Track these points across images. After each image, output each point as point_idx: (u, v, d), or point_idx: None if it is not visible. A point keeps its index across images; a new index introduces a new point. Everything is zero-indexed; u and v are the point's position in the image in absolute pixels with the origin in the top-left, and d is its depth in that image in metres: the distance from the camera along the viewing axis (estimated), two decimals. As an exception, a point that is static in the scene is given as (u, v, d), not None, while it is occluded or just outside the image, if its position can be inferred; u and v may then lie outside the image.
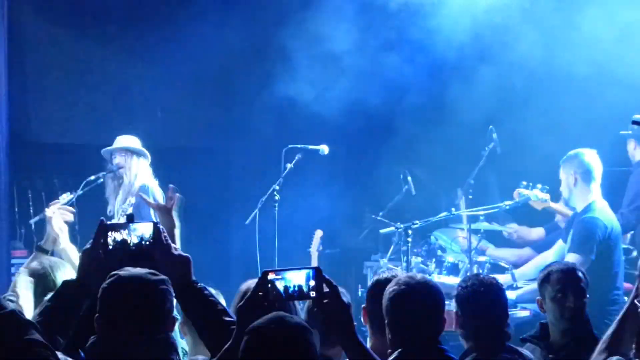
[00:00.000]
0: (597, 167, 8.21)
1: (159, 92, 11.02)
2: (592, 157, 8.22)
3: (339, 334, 3.72)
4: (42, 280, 5.92)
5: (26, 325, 3.72)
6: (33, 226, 9.17)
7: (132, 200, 8.94)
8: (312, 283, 3.68)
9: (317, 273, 3.70)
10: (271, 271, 3.72)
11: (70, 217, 7.01)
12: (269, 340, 3.41)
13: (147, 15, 11.09)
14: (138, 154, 9.24)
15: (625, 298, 7.82)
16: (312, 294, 3.69)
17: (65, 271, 6.01)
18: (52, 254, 6.77)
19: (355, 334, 3.68)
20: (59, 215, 6.85)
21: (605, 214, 8.08)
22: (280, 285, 3.69)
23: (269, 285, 3.69)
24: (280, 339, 3.42)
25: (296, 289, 3.69)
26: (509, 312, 5.46)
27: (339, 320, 3.68)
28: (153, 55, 10.95)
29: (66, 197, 7.74)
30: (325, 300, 3.69)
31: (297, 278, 3.69)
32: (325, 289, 3.70)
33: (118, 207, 9.13)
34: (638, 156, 8.81)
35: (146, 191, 9.08)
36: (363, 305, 5.10)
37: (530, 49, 10.02)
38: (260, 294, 3.70)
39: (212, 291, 5.06)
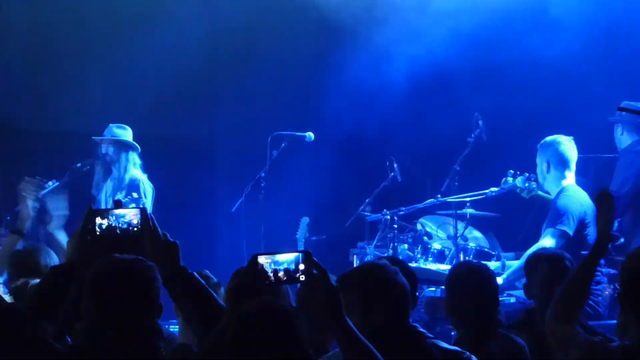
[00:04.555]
0: (572, 155, 8.31)
1: (145, 80, 10.97)
2: (567, 146, 8.32)
3: (328, 318, 3.70)
4: (24, 263, 5.91)
5: (26, 320, 3.73)
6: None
7: (120, 196, 8.97)
8: (301, 267, 3.68)
9: (307, 256, 3.69)
10: (261, 254, 3.71)
11: (36, 189, 6.98)
12: (256, 326, 3.40)
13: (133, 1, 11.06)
14: (127, 146, 9.23)
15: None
16: (302, 277, 3.68)
17: (49, 256, 6.00)
18: (36, 235, 6.77)
19: (344, 317, 3.67)
20: (30, 195, 6.83)
21: (579, 195, 8.17)
22: (269, 268, 3.68)
23: (259, 268, 3.68)
24: (268, 324, 3.41)
25: (285, 272, 3.68)
26: (496, 299, 5.47)
27: (328, 303, 3.67)
28: (139, 42, 10.90)
29: (52, 184, 7.73)
30: (314, 284, 3.68)
31: (286, 261, 3.68)
32: (315, 273, 3.69)
33: (107, 198, 9.13)
34: (625, 142, 8.82)
35: (137, 185, 9.11)
36: None
37: (519, 34, 10.04)
38: (250, 277, 3.69)
39: (215, 281, 5.06)
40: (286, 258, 3.69)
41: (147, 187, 9.14)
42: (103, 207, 8.77)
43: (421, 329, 4.36)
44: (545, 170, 8.33)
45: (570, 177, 8.31)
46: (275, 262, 3.68)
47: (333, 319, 3.68)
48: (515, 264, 8.35)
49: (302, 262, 3.68)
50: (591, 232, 8.02)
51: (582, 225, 8.04)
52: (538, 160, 8.42)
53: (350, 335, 3.68)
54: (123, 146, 9.26)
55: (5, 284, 6.19)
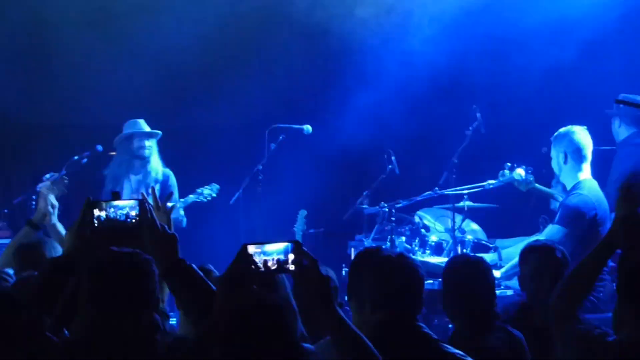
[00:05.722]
0: (587, 145, 8.20)
1: (142, 73, 10.96)
2: (582, 136, 8.21)
3: (318, 307, 3.69)
4: (28, 255, 5.93)
5: (21, 307, 3.73)
6: (17, 207, 9.19)
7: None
8: (291, 256, 3.68)
9: (296, 246, 3.69)
10: (251, 244, 3.71)
11: (64, 190, 7.07)
12: (245, 318, 3.39)
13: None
14: (157, 141, 9.45)
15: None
16: (291, 267, 3.68)
17: (54, 249, 6.01)
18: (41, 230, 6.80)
19: (334, 307, 3.65)
20: (53, 191, 6.88)
21: (594, 193, 8.08)
22: (259, 258, 3.69)
23: (249, 258, 3.68)
24: (257, 317, 3.40)
25: (275, 262, 3.68)
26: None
27: (318, 292, 3.66)
28: (136, 35, 10.89)
29: (49, 177, 7.76)
30: (304, 274, 3.68)
31: (276, 251, 3.68)
32: (305, 263, 3.69)
33: (135, 189, 9.26)
34: (622, 135, 8.82)
35: (172, 181, 9.31)
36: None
37: (516, 27, 10.05)
38: (239, 267, 3.69)
39: (217, 275, 5.06)
40: (276, 248, 3.69)
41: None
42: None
43: (427, 330, 4.36)
44: (562, 161, 8.21)
45: (586, 170, 8.16)
46: (265, 252, 3.68)
47: (323, 308, 3.67)
48: (514, 257, 8.36)
49: (291, 252, 3.68)
50: (604, 231, 7.97)
51: (593, 223, 7.93)
52: (553, 153, 8.30)
53: (340, 324, 3.66)
54: (156, 141, 9.45)
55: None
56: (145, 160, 9.46)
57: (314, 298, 3.67)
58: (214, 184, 9.50)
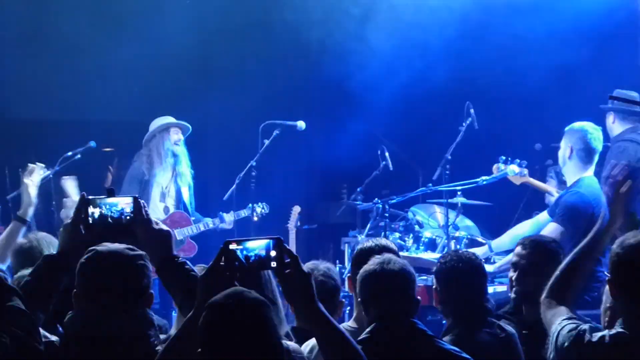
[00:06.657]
0: (597, 145, 8.10)
1: (137, 67, 10.96)
2: (594, 135, 8.12)
3: (300, 304, 3.69)
4: (29, 254, 5.90)
5: (10, 292, 3.72)
6: (10, 202, 9.16)
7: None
8: (272, 253, 3.67)
9: (278, 243, 3.68)
10: (232, 241, 3.70)
11: (41, 173, 7.00)
12: (225, 316, 3.39)
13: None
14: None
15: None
16: (273, 264, 3.68)
17: (52, 246, 5.98)
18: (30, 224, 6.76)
19: (316, 303, 3.64)
20: (35, 181, 6.82)
21: (592, 191, 8.04)
22: (241, 255, 3.69)
23: (230, 255, 3.68)
24: (237, 314, 3.39)
25: (257, 258, 3.68)
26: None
27: (299, 289, 3.65)
28: (131, 30, 10.88)
29: (43, 173, 7.73)
30: (285, 270, 3.68)
31: (258, 248, 3.68)
32: (286, 259, 3.69)
33: (168, 187, 9.30)
34: (616, 130, 8.81)
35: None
36: (348, 275, 5.11)
37: (511, 24, 10.06)
38: (221, 264, 3.69)
39: None
40: (257, 244, 3.68)
41: None
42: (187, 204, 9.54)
43: (423, 327, 4.37)
44: (567, 155, 8.14)
45: (589, 171, 8.11)
46: (247, 249, 3.67)
47: (303, 304, 3.67)
48: (505, 246, 8.37)
49: (273, 249, 3.67)
50: None
51: (591, 222, 7.81)
52: (562, 144, 8.23)
53: (323, 322, 3.65)
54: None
55: (9, 270, 6.17)
56: (177, 158, 9.48)
57: (295, 295, 3.67)
58: (265, 203, 9.61)
